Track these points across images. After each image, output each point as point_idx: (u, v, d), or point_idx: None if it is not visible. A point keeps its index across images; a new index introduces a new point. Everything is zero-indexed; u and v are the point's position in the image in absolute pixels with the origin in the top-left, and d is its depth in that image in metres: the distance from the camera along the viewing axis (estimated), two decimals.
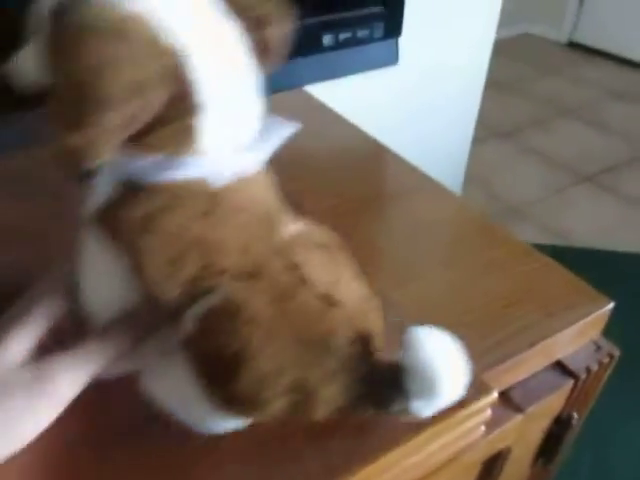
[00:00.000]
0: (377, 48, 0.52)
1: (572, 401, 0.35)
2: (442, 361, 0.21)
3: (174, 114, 0.19)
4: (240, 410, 0.22)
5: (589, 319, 0.32)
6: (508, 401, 0.32)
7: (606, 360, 0.34)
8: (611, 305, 0.34)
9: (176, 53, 0.18)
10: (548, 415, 0.35)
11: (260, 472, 0.24)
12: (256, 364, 0.21)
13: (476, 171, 1.50)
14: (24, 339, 0.20)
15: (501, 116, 1.92)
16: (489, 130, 1.82)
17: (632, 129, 1.85)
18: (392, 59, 0.54)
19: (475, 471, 0.34)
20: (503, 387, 0.31)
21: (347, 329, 0.22)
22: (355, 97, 0.72)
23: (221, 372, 0.21)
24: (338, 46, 0.47)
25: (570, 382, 0.33)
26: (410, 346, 0.21)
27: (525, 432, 0.34)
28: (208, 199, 0.21)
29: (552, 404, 0.34)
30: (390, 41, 0.52)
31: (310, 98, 0.58)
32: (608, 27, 2.37)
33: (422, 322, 0.21)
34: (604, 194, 1.54)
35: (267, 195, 0.23)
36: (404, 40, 0.53)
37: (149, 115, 0.18)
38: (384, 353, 0.23)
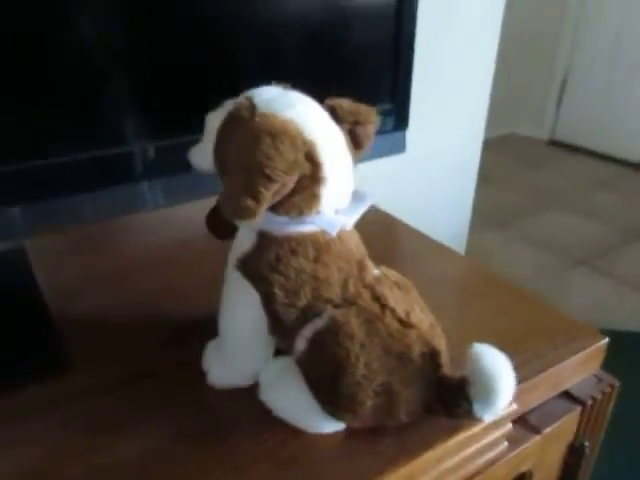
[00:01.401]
0: (387, 139, 0.62)
1: (583, 427, 0.39)
2: (498, 371, 0.27)
3: (307, 185, 0.26)
4: (342, 410, 0.28)
5: (590, 350, 0.38)
6: (526, 424, 0.36)
7: (608, 390, 0.39)
8: (606, 339, 0.39)
9: (312, 144, 0.26)
10: (563, 439, 0.39)
11: (326, 466, 0.28)
12: (354, 370, 0.26)
13: (473, 257, 1.58)
14: None
15: (494, 208, 2.04)
16: (483, 221, 1.93)
17: (620, 215, 1.96)
18: (400, 148, 0.63)
19: None
20: (521, 410, 0.36)
21: (421, 345, 0.28)
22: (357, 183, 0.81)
23: (328, 378, 0.27)
24: None
25: (578, 408, 0.38)
26: (473, 359, 0.27)
27: (544, 456, 0.38)
28: (319, 247, 0.28)
29: (565, 427, 0.38)
30: (398, 133, 0.62)
31: None
32: (584, 126, 2.58)
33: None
34: (599, 276, 1.61)
35: (357, 246, 0.30)
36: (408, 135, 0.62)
37: (287, 191, 0.25)
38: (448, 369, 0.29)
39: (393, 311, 0.28)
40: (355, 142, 0.29)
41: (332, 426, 0.29)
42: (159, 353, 0.35)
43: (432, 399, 0.29)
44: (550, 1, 2.61)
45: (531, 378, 0.35)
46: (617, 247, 1.77)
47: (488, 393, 0.27)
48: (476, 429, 0.31)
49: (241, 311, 0.30)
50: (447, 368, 0.29)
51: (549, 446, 0.37)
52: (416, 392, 0.28)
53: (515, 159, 2.52)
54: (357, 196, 0.30)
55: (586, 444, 0.39)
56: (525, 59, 2.71)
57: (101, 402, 0.31)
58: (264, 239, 0.28)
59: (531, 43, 2.70)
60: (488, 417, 0.28)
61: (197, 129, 0.30)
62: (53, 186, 0.39)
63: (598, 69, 2.55)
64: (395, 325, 0.28)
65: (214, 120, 0.28)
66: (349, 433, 0.30)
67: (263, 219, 0.27)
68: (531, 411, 0.37)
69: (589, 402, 0.38)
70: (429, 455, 0.29)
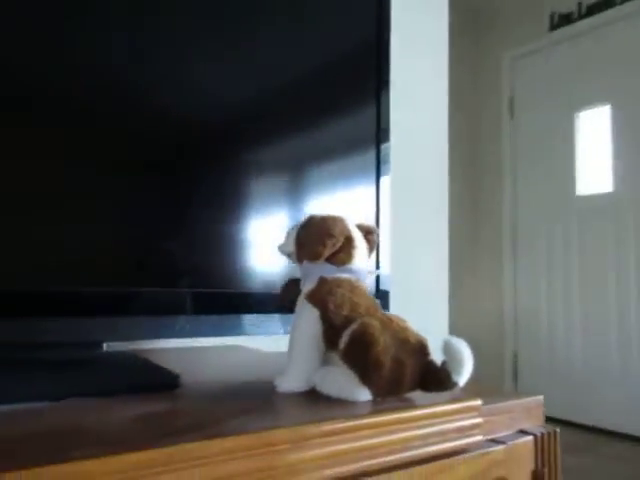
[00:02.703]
0: None
1: (540, 456, 0.53)
2: (463, 346, 0.46)
3: (346, 247, 0.51)
4: (371, 373, 0.45)
5: (533, 400, 0.56)
6: (494, 440, 0.51)
7: (552, 431, 0.55)
8: (541, 397, 0.57)
9: (349, 228, 0.52)
10: (526, 461, 0.52)
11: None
12: (377, 344, 0.45)
13: None
14: None
15: None
16: None
17: (593, 468, 2.03)
18: None
19: None
20: (490, 431, 0.52)
21: (414, 338, 0.48)
22: None
23: (362, 354, 0.46)
24: None
25: (531, 437, 0.53)
26: (445, 343, 0.46)
27: (514, 470, 0.51)
28: (352, 286, 0.51)
29: (525, 449, 0.52)
30: None
31: None
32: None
33: None
34: None
35: (371, 297, 0.52)
36: None
37: (339, 246, 0.50)
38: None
39: (396, 322, 0.49)
40: (368, 243, 0.55)
41: (364, 396, 0.46)
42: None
43: (425, 376, 0.47)
44: (489, 306, 3.18)
45: (495, 403, 0.52)
46: None
47: (458, 361, 0.46)
48: (452, 406, 0.47)
49: (305, 326, 0.49)
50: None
51: (516, 462, 0.51)
52: (415, 364, 0.46)
53: None
54: (370, 270, 0.54)
55: (545, 471, 0.53)
56: (477, 342, 3.12)
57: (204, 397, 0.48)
58: (322, 281, 0.50)
59: (480, 325, 3.16)
60: (462, 381, 0.46)
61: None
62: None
63: (542, 345, 2.94)
64: (398, 327, 0.48)
65: (293, 230, 0.54)
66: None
67: (322, 268, 0.50)
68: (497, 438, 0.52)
69: (539, 434, 0.54)
70: (412, 414, 0.45)
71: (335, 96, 0.79)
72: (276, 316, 0.71)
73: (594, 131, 2.98)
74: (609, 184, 2.87)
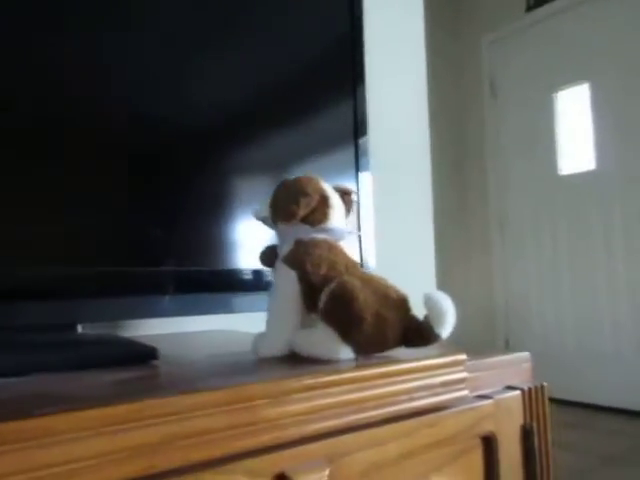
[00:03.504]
0: None
1: (528, 411, 0.52)
2: (444, 299, 0.45)
3: (321, 206, 0.49)
4: (353, 330, 0.44)
5: (522, 356, 0.55)
6: (482, 396, 0.50)
7: (539, 386, 0.54)
8: (528, 354, 0.56)
9: (324, 187, 0.50)
10: (514, 415, 0.51)
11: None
12: (358, 300, 0.44)
13: None
14: None
15: None
16: None
17: (591, 446, 2.04)
18: None
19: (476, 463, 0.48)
20: (478, 387, 0.51)
21: (395, 293, 0.46)
22: None
23: (343, 310, 0.44)
24: None
25: (519, 392, 0.52)
26: (426, 297, 0.45)
27: (502, 425, 0.50)
28: (330, 246, 0.49)
29: (512, 403, 0.51)
30: None
31: None
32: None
33: None
34: None
35: (350, 255, 0.51)
36: None
37: (314, 205, 0.48)
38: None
39: (377, 280, 0.48)
40: (345, 204, 0.53)
41: (345, 354, 0.45)
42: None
43: (407, 332, 0.45)
44: (479, 288, 3.18)
45: (482, 359, 0.51)
46: (593, 471, 1.81)
47: (440, 313, 0.44)
48: (436, 360, 0.46)
49: (283, 288, 0.48)
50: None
51: (505, 417, 0.50)
52: (397, 320, 0.45)
53: None
54: (349, 229, 0.52)
55: (534, 425, 0.52)
56: (471, 327, 3.13)
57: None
58: (298, 243, 0.49)
59: (471, 313, 3.16)
60: (444, 333, 0.45)
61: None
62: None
63: (533, 330, 2.95)
64: (378, 284, 0.47)
65: (267, 199, 0.52)
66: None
67: (298, 229, 0.48)
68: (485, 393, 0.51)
69: (526, 389, 0.53)
70: (398, 368, 0.44)
71: (311, 93, 0.78)
72: (259, 294, 0.69)
73: (574, 109, 2.99)
74: (591, 162, 2.88)
